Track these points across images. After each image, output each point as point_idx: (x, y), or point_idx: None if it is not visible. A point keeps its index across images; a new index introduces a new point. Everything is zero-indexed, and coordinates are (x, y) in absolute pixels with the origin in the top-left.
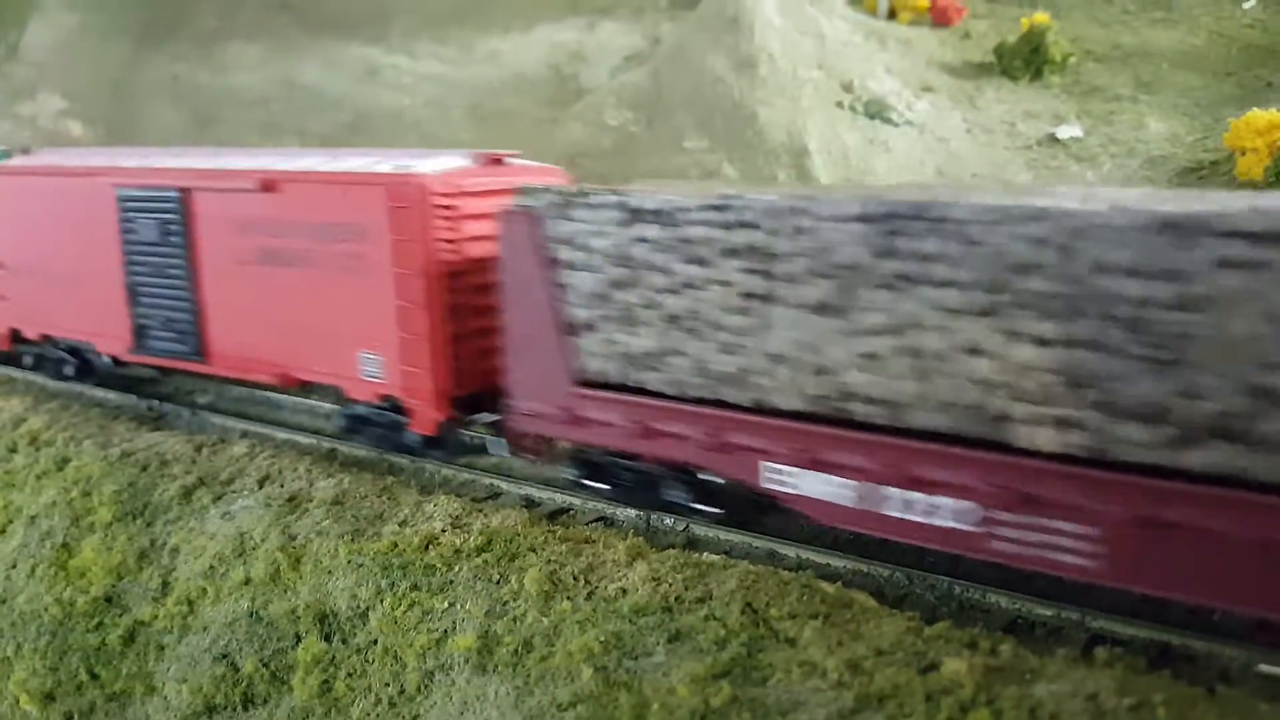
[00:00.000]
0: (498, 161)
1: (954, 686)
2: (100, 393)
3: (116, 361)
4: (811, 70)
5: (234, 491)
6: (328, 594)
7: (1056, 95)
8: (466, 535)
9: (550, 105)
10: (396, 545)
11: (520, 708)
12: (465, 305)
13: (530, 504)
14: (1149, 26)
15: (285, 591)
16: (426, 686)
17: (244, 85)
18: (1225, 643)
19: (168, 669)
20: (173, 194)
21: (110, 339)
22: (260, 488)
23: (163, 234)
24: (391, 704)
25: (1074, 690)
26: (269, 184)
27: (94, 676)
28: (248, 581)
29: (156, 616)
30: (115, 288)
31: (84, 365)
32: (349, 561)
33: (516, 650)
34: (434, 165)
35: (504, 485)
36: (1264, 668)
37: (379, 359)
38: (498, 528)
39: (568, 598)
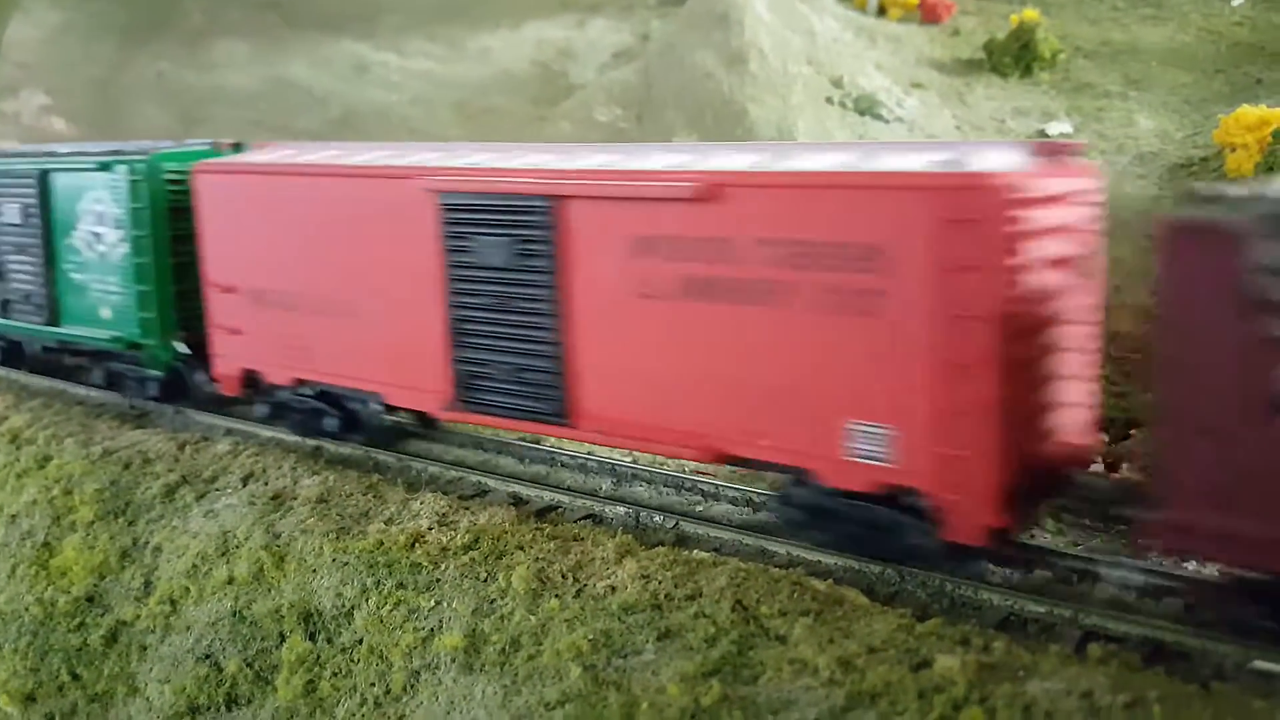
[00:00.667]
0: (1056, 153)
1: (946, 684)
2: (82, 390)
3: (389, 410)
4: (801, 66)
5: (217, 490)
6: (312, 593)
7: (1046, 92)
8: (453, 533)
9: (539, 103)
10: (382, 543)
11: (508, 707)
12: (1020, 359)
13: (518, 501)
14: (1138, 23)
15: (269, 590)
16: (412, 686)
17: (231, 83)
18: (1220, 639)
19: (150, 669)
20: (537, 203)
21: (411, 390)
22: (244, 486)
23: (515, 256)
24: (377, 704)
25: (1068, 687)
26: (709, 190)
27: (75, 677)
28: (231, 581)
29: (139, 616)
30: (428, 324)
31: (349, 419)
32: (334, 560)
33: (504, 649)
34: (991, 161)
35: (491, 483)
36: (1259, 664)
37: (885, 433)
38: (485, 525)
39: (556, 596)
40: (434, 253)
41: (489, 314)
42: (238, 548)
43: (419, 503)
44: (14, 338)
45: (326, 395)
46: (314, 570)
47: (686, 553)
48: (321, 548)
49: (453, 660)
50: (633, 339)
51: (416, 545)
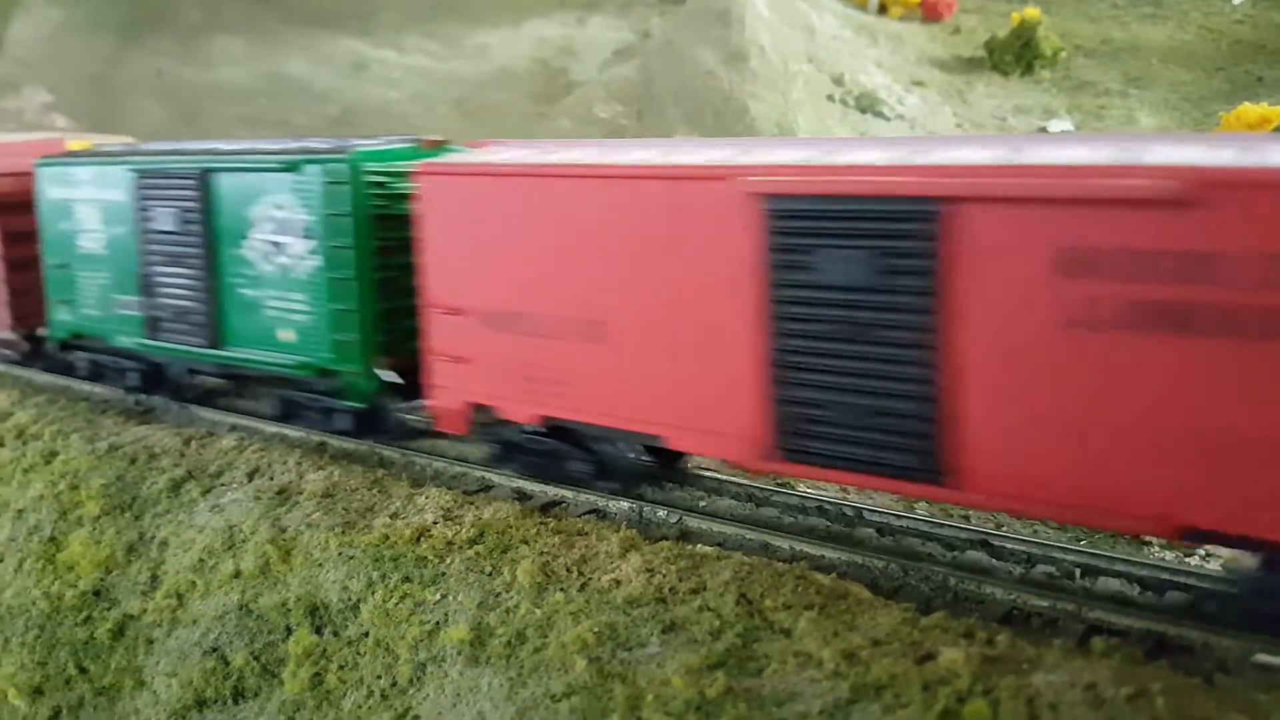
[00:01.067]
0: None
1: (951, 676)
2: (87, 386)
3: (655, 455)
4: (802, 64)
5: (223, 484)
6: (318, 586)
7: (1047, 90)
8: (458, 527)
9: (539, 99)
10: (388, 538)
11: (513, 699)
12: None
13: (522, 496)
14: (1138, 22)
15: (275, 584)
16: (419, 679)
17: (229, 79)
18: (1222, 634)
19: (157, 663)
20: (916, 207)
21: (707, 434)
22: (249, 480)
23: (877, 273)
24: (384, 696)
25: (1072, 680)
26: (1196, 190)
27: (83, 670)
28: (237, 574)
29: (145, 610)
30: (736, 354)
31: (601, 465)
32: (340, 554)
33: (509, 642)
34: None
35: (495, 478)
36: (1261, 658)
37: None
38: (490, 520)
39: (561, 589)
40: (750, 268)
41: (832, 343)
42: (244, 542)
43: (424, 497)
44: (156, 359)
45: (567, 434)
46: (320, 564)
47: (690, 547)
48: (327, 542)
49: (459, 653)
50: (1054, 379)
51: (422, 539)
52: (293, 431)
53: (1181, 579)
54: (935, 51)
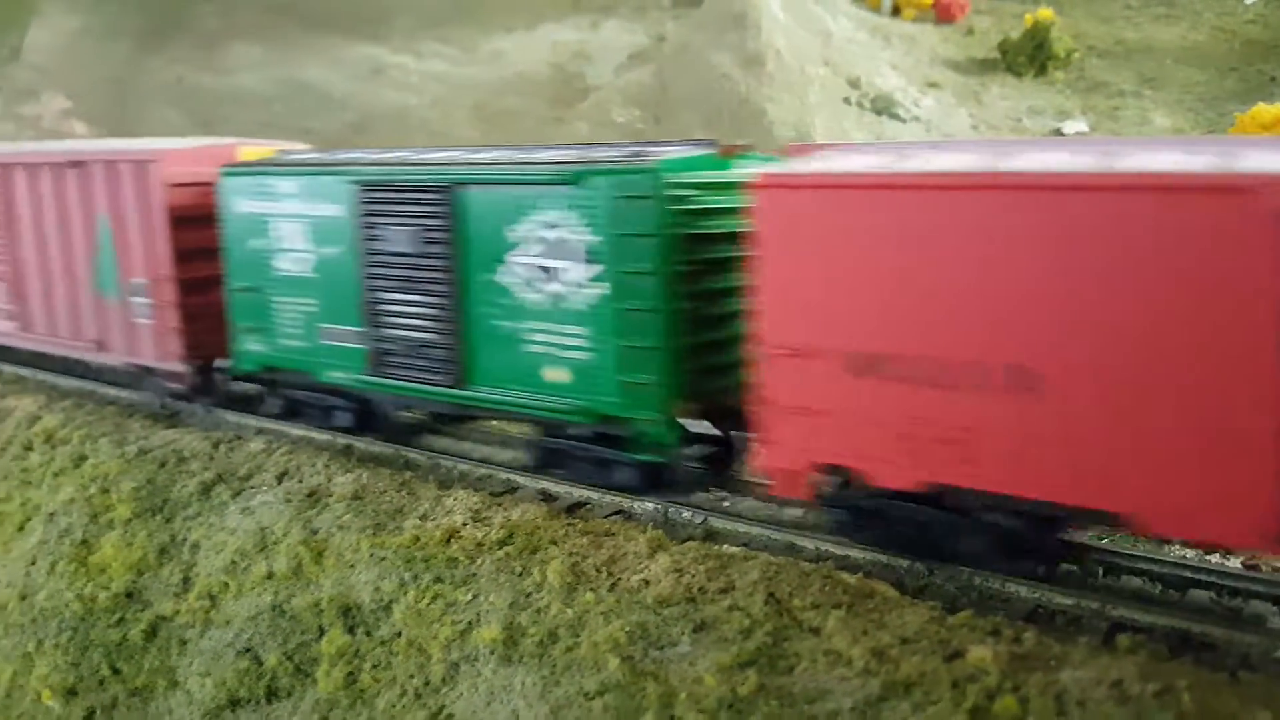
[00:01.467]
0: None
1: (980, 674)
2: (113, 390)
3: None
4: (818, 67)
5: (253, 487)
6: (351, 587)
7: (1061, 91)
8: (487, 528)
9: (555, 104)
10: (418, 539)
11: (547, 698)
12: None
13: (548, 498)
14: (1151, 22)
15: (308, 585)
16: (452, 678)
17: (246, 85)
18: (1245, 631)
19: (190, 663)
20: None
21: (1192, 512)
22: (279, 483)
23: None
24: (417, 695)
25: (1098, 677)
26: None
27: (116, 671)
28: (270, 576)
29: (178, 611)
30: (1243, 415)
31: (1014, 544)
32: (371, 555)
33: (542, 641)
34: None
35: (520, 479)
36: None
37: None
38: (518, 521)
39: (591, 589)
40: (1266, 302)
41: None
42: (275, 543)
43: (452, 499)
44: (374, 397)
45: (938, 501)
46: (352, 565)
47: (717, 547)
48: (359, 543)
49: (491, 652)
50: None
51: (452, 540)
52: (319, 434)
53: (1203, 576)
54: (949, 53)
